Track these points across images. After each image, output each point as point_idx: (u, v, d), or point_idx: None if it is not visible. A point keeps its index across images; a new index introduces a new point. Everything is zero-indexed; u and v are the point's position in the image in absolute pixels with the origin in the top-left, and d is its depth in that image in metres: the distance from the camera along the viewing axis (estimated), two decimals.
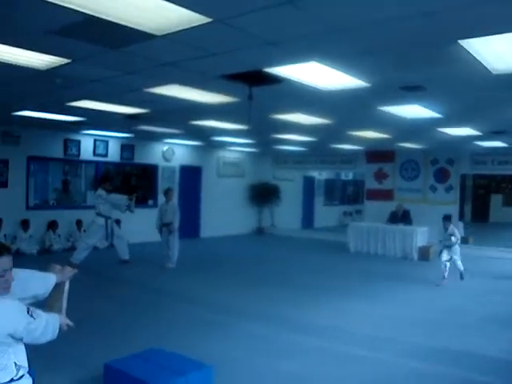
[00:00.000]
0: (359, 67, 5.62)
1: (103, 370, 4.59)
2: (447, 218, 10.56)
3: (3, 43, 5.10)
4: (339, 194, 25.46)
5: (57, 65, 5.92)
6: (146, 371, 4.36)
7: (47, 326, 2.74)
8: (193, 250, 13.69)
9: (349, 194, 25.96)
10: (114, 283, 9.65)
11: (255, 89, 6.68)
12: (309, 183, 22.49)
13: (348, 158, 17.97)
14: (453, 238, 10.25)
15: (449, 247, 10.29)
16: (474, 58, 4.98)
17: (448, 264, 10.23)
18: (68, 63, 5.82)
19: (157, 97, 7.64)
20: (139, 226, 13.57)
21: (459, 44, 4.56)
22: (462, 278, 10.51)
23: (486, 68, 5.39)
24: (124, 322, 7.07)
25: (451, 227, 10.38)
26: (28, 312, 2.65)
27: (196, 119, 10.22)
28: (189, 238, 15.20)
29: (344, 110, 8.50)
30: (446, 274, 10.18)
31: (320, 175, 23.09)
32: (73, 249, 11.85)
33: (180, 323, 7.09)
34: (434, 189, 15.88)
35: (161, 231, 11.44)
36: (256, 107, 7.65)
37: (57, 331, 2.81)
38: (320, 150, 17.33)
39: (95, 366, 4.93)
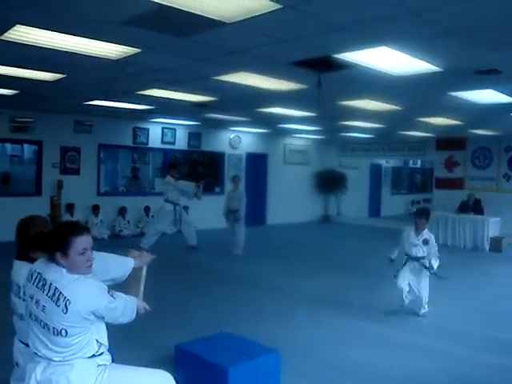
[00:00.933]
0: (432, 51, 5.46)
1: (174, 351, 4.69)
2: (422, 214, 7.00)
3: (76, 35, 5.24)
4: (407, 183, 24.97)
5: (128, 55, 6.04)
6: (216, 354, 4.43)
7: (126, 307, 2.87)
8: (259, 237, 13.76)
9: (417, 183, 25.43)
10: (182, 268, 9.81)
11: (324, 75, 6.61)
12: (376, 171, 22.15)
13: (417, 146, 17.54)
14: (424, 249, 6.81)
15: (416, 260, 6.83)
16: None
17: (407, 289, 6.89)
18: (139, 53, 5.92)
19: (225, 84, 7.68)
20: (206, 212, 13.72)
21: None
22: (420, 313, 6.90)
23: None
24: (191, 305, 7.21)
25: (426, 231, 6.92)
26: (109, 292, 2.77)
27: (263, 106, 10.22)
28: (255, 225, 15.25)
29: (414, 95, 8.30)
30: (406, 301, 6.96)
31: (387, 163, 22.69)
32: (141, 234, 12.13)
33: (245, 308, 7.16)
34: (507, 177, 15.30)
35: (227, 218, 11.55)
36: (324, 94, 7.57)
37: (134, 313, 2.94)
38: (388, 136, 17.02)
39: (166, 346, 5.04)
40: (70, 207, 12.46)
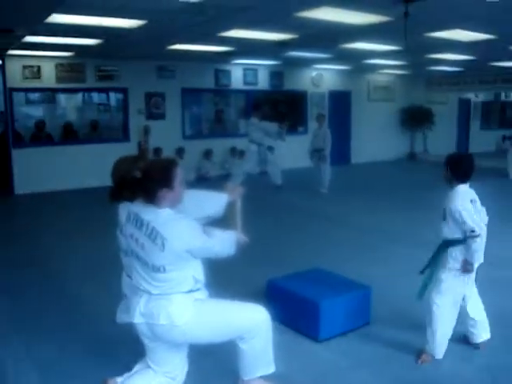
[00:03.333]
0: None
1: (266, 285, 4.82)
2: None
3: None
4: (497, 117, 23.76)
5: None
6: (307, 288, 4.52)
7: (223, 242, 2.99)
8: (344, 176, 13.64)
9: (509, 117, 24.13)
10: (269, 207, 9.93)
11: (412, 5, 6.30)
12: (464, 106, 21.24)
13: (511, 77, 16.58)
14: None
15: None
16: None
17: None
18: None
19: (306, 21, 7.50)
20: (290, 152, 13.71)
21: None
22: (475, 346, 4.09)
23: None
24: (281, 242, 7.38)
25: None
26: (204, 231, 2.87)
27: (346, 42, 9.95)
28: (339, 164, 15.09)
29: (510, 20, 7.77)
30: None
31: (477, 97, 21.66)
32: (227, 176, 12.29)
33: (334, 244, 7.23)
34: None
35: (312, 157, 11.53)
36: (411, 25, 7.24)
37: (234, 246, 3.03)
38: (478, 69, 16.17)
39: (258, 282, 5.14)
40: (158, 151, 12.77)
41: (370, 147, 17.15)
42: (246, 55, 12.50)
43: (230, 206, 3.31)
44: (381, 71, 17.30)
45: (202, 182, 12.81)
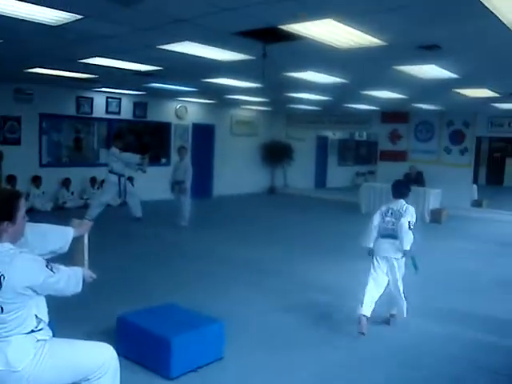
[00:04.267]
0: (376, 25, 5.47)
1: (116, 322, 4.66)
2: (400, 187, 5.95)
3: None
4: (352, 155, 25.30)
5: (69, 21, 5.82)
6: (158, 324, 4.43)
7: (69, 279, 2.86)
8: (205, 209, 13.74)
9: (362, 155, 25.79)
10: (127, 240, 9.73)
11: (270, 46, 6.55)
12: (322, 143, 22.37)
13: (362, 119, 17.81)
14: (404, 224, 5.42)
15: (391, 238, 5.54)
16: (492, 13, 4.79)
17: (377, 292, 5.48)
18: (80, 19, 5.72)
19: (169, 54, 7.53)
20: (152, 183, 13.60)
21: None
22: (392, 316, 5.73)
23: (505, 25, 5.21)
24: (136, 277, 7.20)
25: (403, 204, 5.68)
26: (47, 266, 2.73)
27: (209, 77, 10.10)
28: (201, 196, 15.21)
29: (359, 68, 8.35)
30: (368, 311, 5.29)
31: (334, 135, 22.95)
32: (86, 206, 11.93)
33: (190, 278, 7.21)
34: (448, 151, 15.75)
35: (173, 189, 11.49)
36: (270, 65, 7.55)
37: (80, 283, 2.93)
38: (334, 109, 17.14)
39: (110, 319, 4.97)
40: (11, 179, 12.06)
41: (232, 180, 17.46)
42: (109, 84, 12.31)
43: (77, 241, 3.19)
44: (244, 106, 17.76)
45: (60, 212, 12.33)
